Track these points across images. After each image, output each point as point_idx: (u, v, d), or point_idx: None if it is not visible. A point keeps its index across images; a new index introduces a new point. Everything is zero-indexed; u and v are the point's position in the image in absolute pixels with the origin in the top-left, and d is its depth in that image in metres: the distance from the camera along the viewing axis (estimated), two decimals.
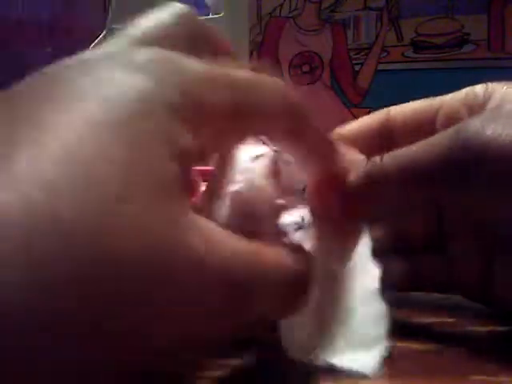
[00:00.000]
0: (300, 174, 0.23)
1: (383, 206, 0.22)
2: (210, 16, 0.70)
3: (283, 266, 0.16)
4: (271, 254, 0.15)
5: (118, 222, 0.11)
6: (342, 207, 0.22)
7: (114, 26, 0.72)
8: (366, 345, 0.17)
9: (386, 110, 0.26)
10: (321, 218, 0.22)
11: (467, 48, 0.58)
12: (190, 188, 0.15)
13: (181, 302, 0.12)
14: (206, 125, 0.15)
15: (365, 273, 0.20)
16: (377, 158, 0.21)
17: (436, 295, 0.27)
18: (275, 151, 0.23)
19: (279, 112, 0.17)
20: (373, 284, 0.19)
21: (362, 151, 0.23)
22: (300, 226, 0.22)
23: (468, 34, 0.58)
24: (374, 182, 0.21)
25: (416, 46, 0.60)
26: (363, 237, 0.21)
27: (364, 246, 0.20)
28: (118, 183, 0.12)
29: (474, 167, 0.18)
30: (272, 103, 0.17)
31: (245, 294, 0.14)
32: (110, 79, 0.14)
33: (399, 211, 0.23)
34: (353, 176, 0.22)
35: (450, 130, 0.20)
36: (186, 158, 0.14)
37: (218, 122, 0.15)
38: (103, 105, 0.13)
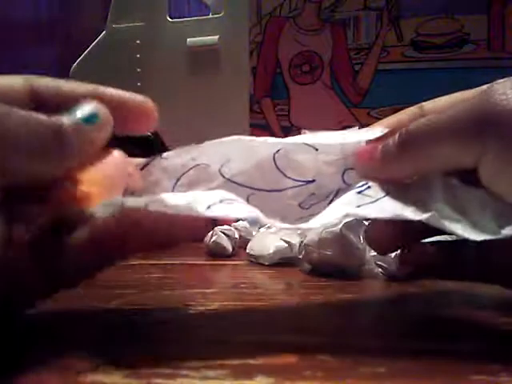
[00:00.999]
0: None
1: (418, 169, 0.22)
2: (210, 16, 0.70)
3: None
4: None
5: None
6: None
7: (114, 26, 0.72)
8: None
9: (418, 105, 0.26)
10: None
11: (467, 48, 0.58)
12: None
13: None
14: None
15: None
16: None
17: (439, 291, 0.27)
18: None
19: None
20: None
21: None
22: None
23: (468, 34, 0.58)
24: (413, 140, 0.22)
25: (416, 45, 0.60)
26: None
27: None
28: None
29: (492, 127, 0.19)
30: None
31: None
32: None
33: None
34: (392, 139, 0.22)
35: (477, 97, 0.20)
36: None
37: None
38: None
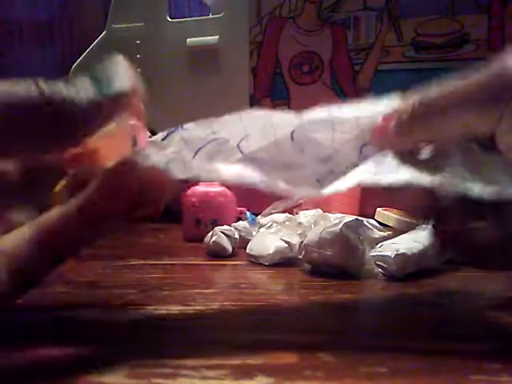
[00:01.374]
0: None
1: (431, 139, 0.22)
2: (210, 16, 0.70)
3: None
4: None
5: None
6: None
7: (114, 26, 0.72)
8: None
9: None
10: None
11: (467, 48, 0.58)
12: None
13: None
14: None
15: None
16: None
17: (444, 289, 0.27)
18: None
19: None
20: None
21: None
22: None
23: (468, 34, 0.58)
24: (425, 108, 0.21)
25: (416, 45, 0.60)
26: None
27: None
28: None
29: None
30: None
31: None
32: None
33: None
34: (405, 110, 0.22)
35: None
36: None
37: None
38: None
